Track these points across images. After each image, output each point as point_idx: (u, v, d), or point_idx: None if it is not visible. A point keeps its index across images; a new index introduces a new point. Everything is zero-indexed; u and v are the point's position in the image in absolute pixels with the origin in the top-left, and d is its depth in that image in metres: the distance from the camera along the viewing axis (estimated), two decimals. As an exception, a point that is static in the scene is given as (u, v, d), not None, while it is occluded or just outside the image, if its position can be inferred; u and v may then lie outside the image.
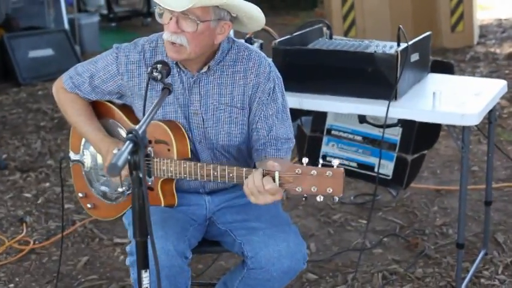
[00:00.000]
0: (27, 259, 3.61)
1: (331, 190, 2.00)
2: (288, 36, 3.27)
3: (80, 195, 2.68)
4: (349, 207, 4.12)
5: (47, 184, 4.53)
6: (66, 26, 7.78)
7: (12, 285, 3.38)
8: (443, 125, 3.32)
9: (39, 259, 3.61)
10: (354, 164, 3.67)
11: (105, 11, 9.98)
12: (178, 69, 2.40)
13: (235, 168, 2.18)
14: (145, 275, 1.76)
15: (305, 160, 2.03)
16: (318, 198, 2.04)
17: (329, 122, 3.73)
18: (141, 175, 1.64)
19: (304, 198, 2.07)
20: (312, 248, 3.62)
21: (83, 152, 2.64)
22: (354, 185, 4.32)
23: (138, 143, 1.63)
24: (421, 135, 3.53)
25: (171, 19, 2.26)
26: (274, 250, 2.31)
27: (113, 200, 2.58)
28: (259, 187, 2.08)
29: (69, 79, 2.57)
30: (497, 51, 7.59)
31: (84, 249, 3.69)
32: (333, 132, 3.73)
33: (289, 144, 2.46)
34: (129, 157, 1.66)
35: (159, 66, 2.15)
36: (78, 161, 2.66)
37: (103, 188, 2.61)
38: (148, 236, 1.74)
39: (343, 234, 3.78)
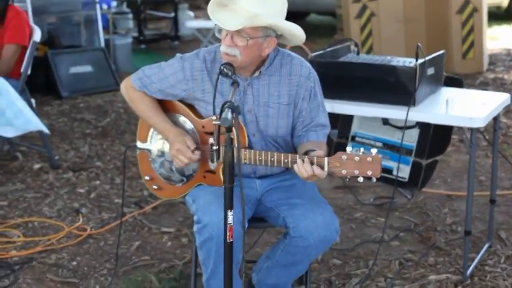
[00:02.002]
0: (86, 243, 4.09)
1: (371, 172, 2.46)
2: (322, 52, 3.77)
3: (147, 178, 3.13)
4: (369, 207, 4.60)
5: (98, 182, 5.02)
6: (103, 45, 8.33)
7: (75, 263, 3.85)
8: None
9: (97, 243, 4.08)
10: (375, 167, 4.13)
11: (135, 34, 10.54)
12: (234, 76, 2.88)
13: (289, 154, 2.63)
14: (230, 214, 2.28)
15: (349, 149, 2.52)
16: (359, 179, 2.49)
17: (353, 129, 4.21)
18: (232, 136, 2.15)
19: (347, 180, 2.54)
20: (336, 240, 4.08)
21: (150, 141, 3.10)
22: (373, 189, 4.80)
23: (234, 110, 2.15)
24: (434, 141, 3.97)
25: (226, 35, 2.75)
26: (313, 221, 2.77)
27: (177, 182, 3.04)
28: (309, 172, 2.57)
29: (138, 79, 3.01)
30: (505, 77, 8.05)
31: (135, 236, 4.18)
32: (357, 138, 4.19)
33: (326, 130, 2.96)
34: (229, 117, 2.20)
35: (227, 65, 2.66)
36: (145, 149, 3.13)
37: (168, 172, 3.05)
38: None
39: (364, 229, 4.26)
